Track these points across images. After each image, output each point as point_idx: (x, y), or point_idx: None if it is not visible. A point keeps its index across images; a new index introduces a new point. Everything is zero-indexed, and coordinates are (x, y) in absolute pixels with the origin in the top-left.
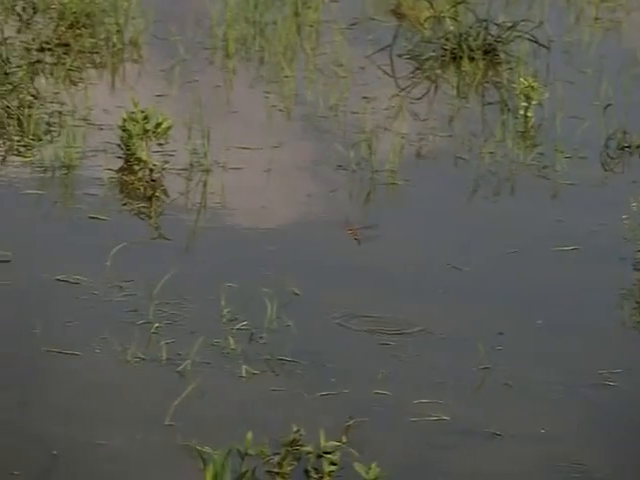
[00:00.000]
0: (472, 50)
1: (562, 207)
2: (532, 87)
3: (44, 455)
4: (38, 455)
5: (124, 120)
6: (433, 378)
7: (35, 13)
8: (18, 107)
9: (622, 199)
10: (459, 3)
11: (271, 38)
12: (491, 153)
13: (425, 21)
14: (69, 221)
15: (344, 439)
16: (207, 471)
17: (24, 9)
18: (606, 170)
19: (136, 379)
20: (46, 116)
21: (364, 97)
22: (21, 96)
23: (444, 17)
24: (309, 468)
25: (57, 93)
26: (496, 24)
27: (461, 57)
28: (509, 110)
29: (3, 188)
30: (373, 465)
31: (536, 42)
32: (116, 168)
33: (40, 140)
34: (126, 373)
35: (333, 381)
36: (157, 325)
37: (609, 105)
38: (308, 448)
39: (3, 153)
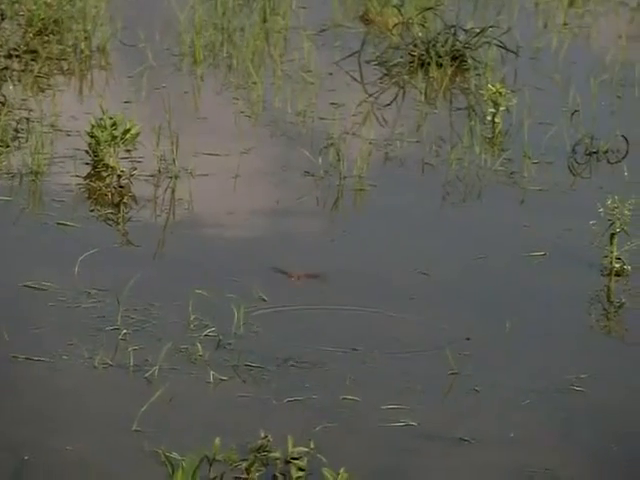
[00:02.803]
0: (440, 56)
1: (530, 213)
2: (500, 93)
3: (13, 460)
4: (6, 460)
5: (92, 126)
6: (401, 384)
7: (3, 20)
8: None
9: (589, 204)
10: (427, 9)
11: (239, 45)
12: (459, 159)
13: (393, 27)
14: (37, 227)
15: (312, 445)
16: (176, 477)
17: None
18: (574, 175)
19: (104, 385)
20: (14, 122)
21: (332, 103)
22: None
23: (412, 23)
24: (277, 474)
25: (25, 100)
26: (464, 30)
27: (429, 63)
28: (477, 116)
29: None
30: (341, 470)
31: (504, 48)
32: (84, 174)
33: (8, 147)
34: (94, 379)
35: (301, 387)
36: (125, 331)
37: (576, 111)
38: (276, 454)
39: None
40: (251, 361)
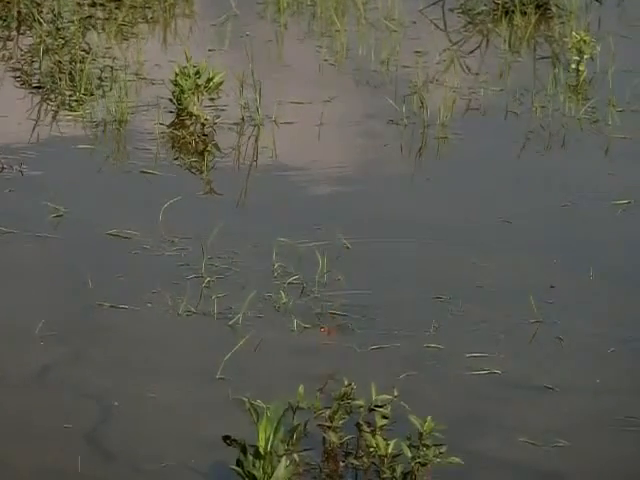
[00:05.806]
0: (524, 4)
1: (614, 160)
2: (584, 41)
3: (100, 406)
4: (94, 406)
5: (176, 75)
6: (485, 332)
7: None
8: (70, 62)
9: None
10: None
11: None
12: (543, 107)
13: None
14: (121, 175)
15: (395, 393)
16: (260, 424)
17: None
18: None
19: (187, 333)
20: (98, 71)
21: (416, 51)
22: (73, 51)
23: None
24: (361, 422)
25: (109, 48)
26: None
27: (513, 11)
28: (561, 64)
29: (55, 143)
30: (428, 418)
31: None
32: (168, 123)
33: (92, 95)
34: (178, 327)
35: (384, 335)
36: (209, 279)
37: None
38: (360, 402)
39: (55, 108)
40: (335, 309)
